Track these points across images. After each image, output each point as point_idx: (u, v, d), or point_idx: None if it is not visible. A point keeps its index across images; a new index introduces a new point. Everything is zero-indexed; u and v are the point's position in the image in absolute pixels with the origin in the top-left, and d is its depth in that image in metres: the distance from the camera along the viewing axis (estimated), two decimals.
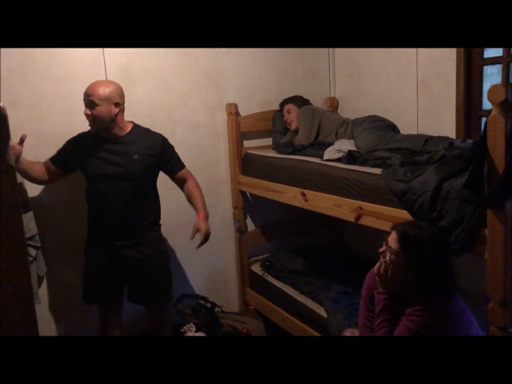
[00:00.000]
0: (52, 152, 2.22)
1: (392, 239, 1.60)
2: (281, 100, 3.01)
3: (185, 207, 2.82)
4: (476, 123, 2.41)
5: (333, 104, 3.22)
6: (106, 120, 2.07)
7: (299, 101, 2.95)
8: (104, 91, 2.04)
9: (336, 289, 2.52)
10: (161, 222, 2.33)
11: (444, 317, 1.54)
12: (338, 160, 2.25)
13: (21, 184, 2.21)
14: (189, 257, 2.90)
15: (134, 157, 2.12)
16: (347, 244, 3.33)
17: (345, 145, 2.34)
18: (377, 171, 1.94)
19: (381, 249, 1.65)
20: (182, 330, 2.53)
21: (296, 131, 2.87)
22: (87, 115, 2.07)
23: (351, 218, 2.03)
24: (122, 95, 2.13)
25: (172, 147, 2.29)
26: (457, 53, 2.36)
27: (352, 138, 2.48)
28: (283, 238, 3.20)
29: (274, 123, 3.02)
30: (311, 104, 3.00)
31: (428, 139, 2.13)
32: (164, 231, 2.41)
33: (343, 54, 3.15)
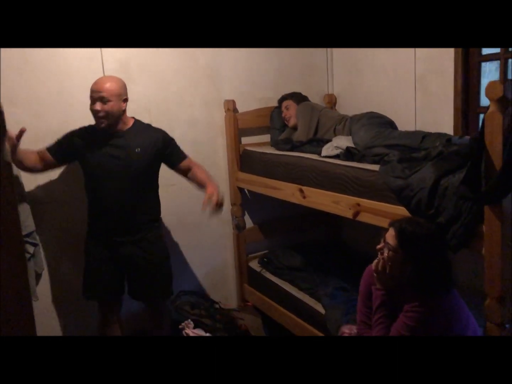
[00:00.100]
0: None
1: (390, 236, 1.60)
2: (279, 97, 3.00)
3: (183, 205, 2.83)
4: (474, 120, 2.41)
5: (331, 101, 3.22)
6: (117, 115, 2.10)
7: (298, 98, 2.94)
8: (115, 87, 2.07)
9: (334, 285, 2.52)
10: None
11: (442, 313, 1.55)
12: (336, 156, 2.25)
13: (17, 177, 2.21)
14: (187, 254, 2.90)
15: (136, 150, 2.13)
16: (345, 241, 3.33)
17: (343, 141, 2.34)
18: (375, 167, 1.94)
19: (379, 246, 1.65)
20: (180, 326, 2.54)
21: (294, 128, 2.87)
22: (97, 111, 2.06)
23: (349, 214, 2.03)
24: (126, 91, 2.16)
25: (173, 140, 2.30)
26: (455, 49, 2.36)
27: (350, 135, 2.48)
28: (281, 235, 3.21)
29: (272, 120, 3.01)
30: (309, 100, 3.00)
31: (425, 135, 2.13)
32: (162, 228, 2.41)
33: (341, 51, 3.14)
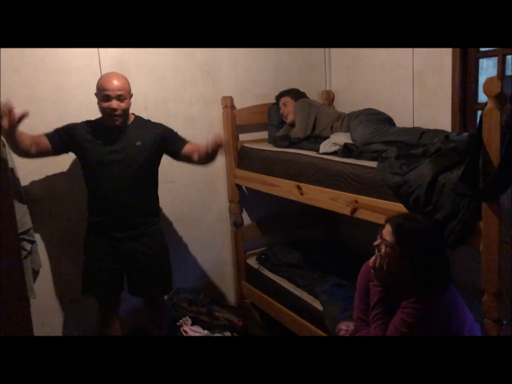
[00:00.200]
0: None
1: (387, 232, 1.60)
2: (276, 93, 2.99)
3: (181, 202, 2.83)
4: (472, 116, 2.41)
5: (329, 97, 3.21)
6: (128, 112, 2.16)
7: (296, 94, 2.94)
8: (127, 84, 2.13)
9: (331, 282, 2.53)
10: None
11: (439, 309, 1.54)
12: (334, 153, 2.24)
13: (13, 171, 2.19)
14: (185, 251, 2.90)
15: (137, 143, 2.15)
16: (342, 238, 3.33)
17: (341, 138, 2.34)
18: (373, 164, 1.94)
19: (376, 242, 1.64)
20: (178, 323, 2.54)
21: (292, 124, 2.86)
22: (114, 109, 2.07)
23: (346, 211, 2.03)
24: None
25: (172, 130, 2.30)
26: None
27: (348, 132, 2.48)
28: (279, 232, 3.21)
29: (270, 116, 3.01)
30: (307, 97, 2.99)
31: (423, 132, 2.13)
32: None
33: (339, 48, 3.13)
